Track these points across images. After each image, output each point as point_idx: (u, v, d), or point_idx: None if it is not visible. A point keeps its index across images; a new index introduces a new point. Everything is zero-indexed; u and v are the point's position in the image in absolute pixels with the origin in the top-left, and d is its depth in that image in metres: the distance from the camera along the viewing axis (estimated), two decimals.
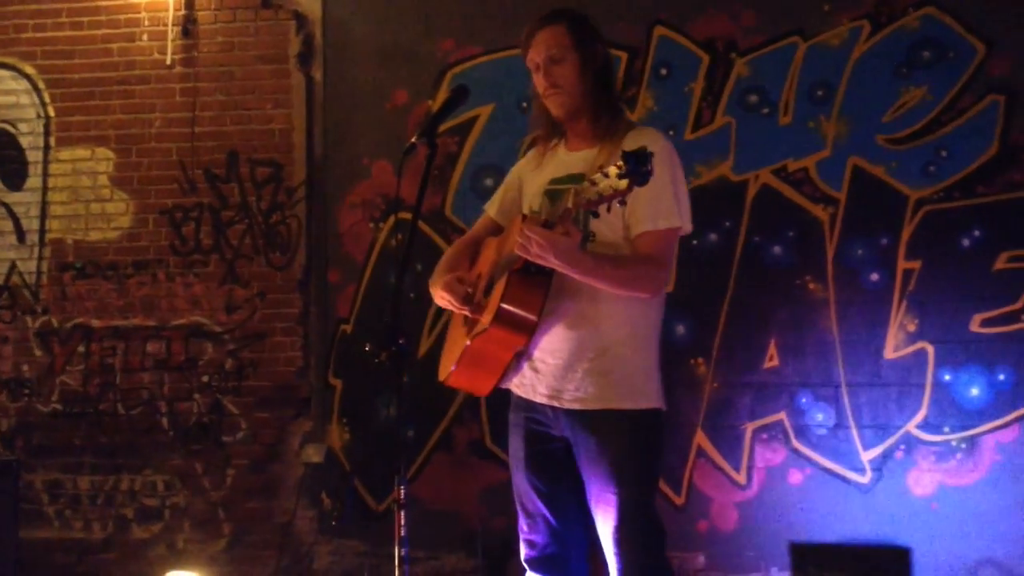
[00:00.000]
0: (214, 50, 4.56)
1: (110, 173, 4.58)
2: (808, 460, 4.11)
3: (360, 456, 4.39)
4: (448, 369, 2.30)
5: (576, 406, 2.17)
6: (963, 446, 4.01)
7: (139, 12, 4.57)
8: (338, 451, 4.40)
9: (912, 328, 4.09)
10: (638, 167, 1.77)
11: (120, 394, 4.49)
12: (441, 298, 2.30)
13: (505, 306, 2.07)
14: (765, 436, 4.14)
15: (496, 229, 2.46)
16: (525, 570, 2.39)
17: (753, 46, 4.27)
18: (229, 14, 4.56)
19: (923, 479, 4.02)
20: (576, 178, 2.17)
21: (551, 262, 2.00)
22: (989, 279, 4.04)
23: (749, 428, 4.16)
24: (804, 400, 4.13)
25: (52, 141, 4.62)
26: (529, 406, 2.29)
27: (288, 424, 4.42)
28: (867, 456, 4.06)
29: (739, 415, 4.16)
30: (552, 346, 2.19)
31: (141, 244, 4.54)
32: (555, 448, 2.27)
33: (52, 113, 4.62)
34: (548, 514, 2.27)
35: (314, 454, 4.37)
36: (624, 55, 4.34)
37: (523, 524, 2.33)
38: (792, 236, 4.20)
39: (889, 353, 4.09)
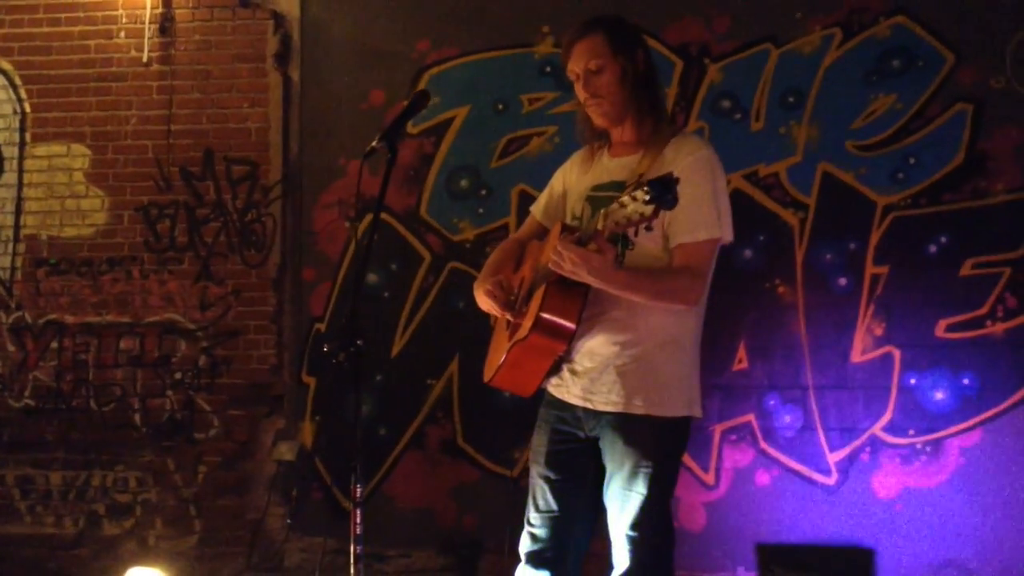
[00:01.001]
0: (191, 48, 4.57)
1: (86, 170, 4.58)
2: (775, 461, 4.16)
3: (331, 454, 4.41)
4: (492, 371, 2.34)
5: (609, 408, 2.21)
6: (927, 449, 4.07)
7: (117, 9, 4.58)
8: (310, 449, 4.42)
9: (879, 332, 4.14)
10: (663, 194, 1.78)
11: (93, 390, 4.48)
12: (484, 302, 2.34)
13: (543, 315, 2.11)
14: (733, 437, 4.19)
15: (542, 231, 2.50)
16: (520, 561, 2.41)
17: (726, 52, 4.32)
18: (207, 12, 4.57)
19: (888, 481, 4.08)
20: (618, 185, 2.22)
21: (584, 278, 2.04)
22: (955, 285, 4.10)
23: (718, 429, 4.20)
24: (772, 402, 4.18)
25: (28, 137, 4.61)
26: (561, 405, 2.32)
27: (260, 422, 4.44)
28: (833, 458, 4.11)
29: (708, 416, 4.20)
30: (590, 350, 2.23)
31: (116, 241, 4.54)
32: (577, 449, 2.31)
33: (28, 109, 4.62)
34: (557, 511, 2.31)
35: (286, 452, 4.38)
36: None
37: (531, 516, 2.36)
38: (762, 240, 4.25)
39: (856, 356, 4.15)
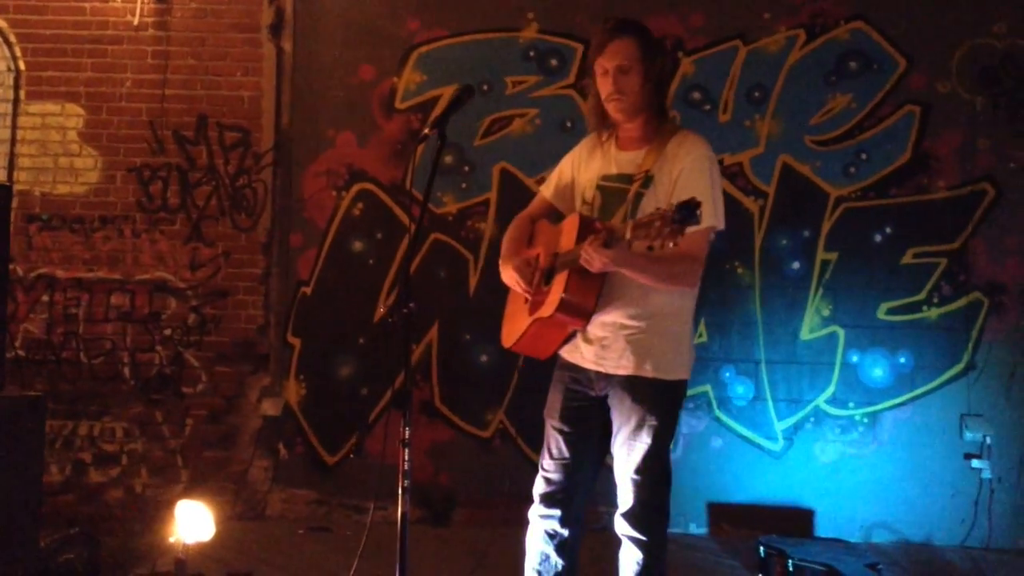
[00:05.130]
0: (187, 16, 4.71)
1: (79, 129, 4.70)
2: (728, 428, 4.53)
3: (314, 411, 4.65)
4: (512, 340, 2.66)
5: (620, 372, 2.52)
6: (865, 420, 4.48)
7: None
8: (294, 405, 4.65)
9: (826, 313, 4.52)
10: (688, 217, 2.03)
11: (83, 343, 4.64)
12: (510, 278, 2.63)
13: (567, 297, 2.42)
14: (691, 405, 4.54)
15: (549, 209, 2.78)
16: (532, 502, 2.70)
17: (699, 47, 4.63)
18: None
19: (828, 448, 4.48)
20: (625, 178, 2.52)
21: (611, 269, 2.34)
22: (896, 272, 4.50)
23: None
24: (727, 374, 4.54)
25: (22, 94, 4.71)
26: (574, 368, 2.63)
27: (247, 378, 4.65)
28: (780, 426, 4.50)
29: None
30: (602, 322, 2.52)
31: (108, 200, 4.68)
32: (587, 406, 2.62)
33: (23, 67, 4.71)
34: (568, 458, 2.61)
35: (271, 407, 4.61)
36: (580, 47, 4.65)
37: (545, 464, 2.66)
38: (725, 225, 4.56)
39: (805, 334, 4.52)
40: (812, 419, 4.49)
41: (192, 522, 3.06)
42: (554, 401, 2.68)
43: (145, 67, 4.70)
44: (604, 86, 2.54)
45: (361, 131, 4.71)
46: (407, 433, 2.29)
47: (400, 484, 2.29)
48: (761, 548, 3.73)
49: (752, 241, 4.57)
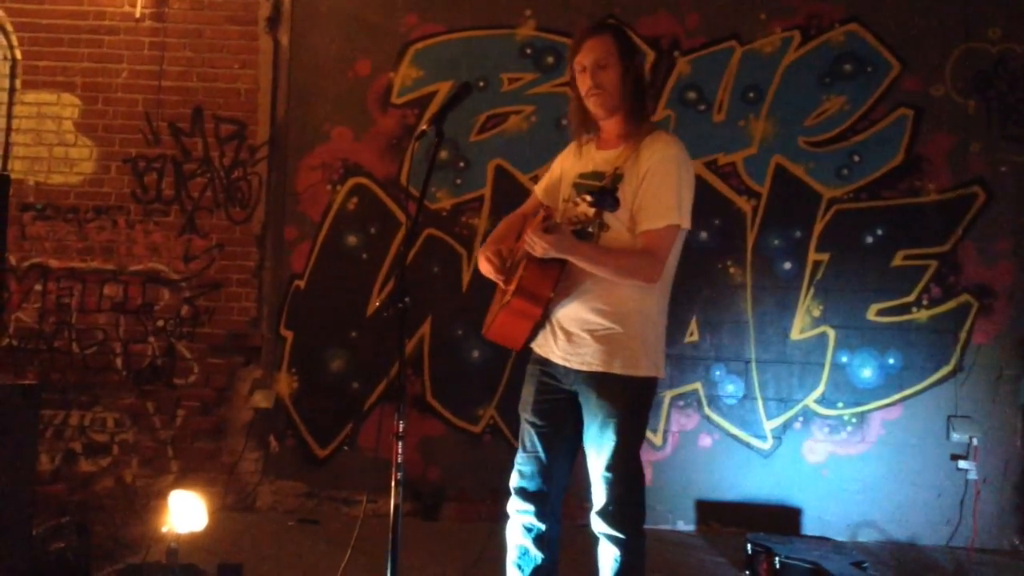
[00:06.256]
0: (184, 8, 4.71)
1: (75, 119, 4.70)
2: (717, 427, 4.55)
3: (306, 404, 4.66)
4: (486, 328, 2.68)
5: (584, 368, 2.53)
6: (853, 420, 4.51)
7: None
8: (285, 398, 4.66)
9: (817, 313, 4.55)
10: (603, 201, 2.20)
11: (75, 333, 4.64)
12: (483, 267, 2.66)
13: (524, 284, 2.46)
14: (681, 403, 4.57)
15: (541, 207, 2.78)
16: (510, 495, 2.70)
17: (695, 47, 4.65)
18: None
19: (817, 448, 4.51)
20: (598, 175, 2.55)
21: (555, 255, 2.39)
22: (887, 274, 4.53)
23: (667, 396, 4.57)
24: (718, 373, 4.57)
25: (18, 83, 4.70)
26: (545, 362, 2.65)
27: (239, 370, 4.65)
28: (769, 425, 4.52)
29: (660, 384, 4.54)
30: (568, 315, 2.55)
31: (103, 190, 4.68)
32: (560, 399, 2.63)
33: (19, 56, 4.71)
34: (542, 452, 2.64)
35: (262, 400, 4.62)
36: None
37: (519, 458, 2.68)
38: (718, 224, 4.61)
39: (795, 334, 4.55)
40: (801, 418, 4.52)
41: (185, 512, 3.07)
42: (527, 395, 2.70)
43: (142, 58, 4.71)
44: (583, 83, 2.58)
45: (357, 125, 4.72)
46: (401, 426, 2.29)
47: (393, 476, 2.29)
48: (748, 545, 3.76)
49: (744, 241, 4.59)
